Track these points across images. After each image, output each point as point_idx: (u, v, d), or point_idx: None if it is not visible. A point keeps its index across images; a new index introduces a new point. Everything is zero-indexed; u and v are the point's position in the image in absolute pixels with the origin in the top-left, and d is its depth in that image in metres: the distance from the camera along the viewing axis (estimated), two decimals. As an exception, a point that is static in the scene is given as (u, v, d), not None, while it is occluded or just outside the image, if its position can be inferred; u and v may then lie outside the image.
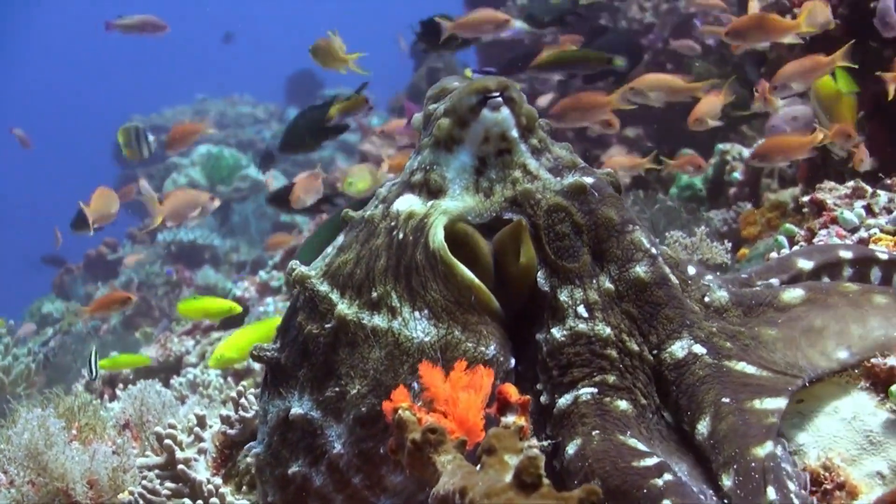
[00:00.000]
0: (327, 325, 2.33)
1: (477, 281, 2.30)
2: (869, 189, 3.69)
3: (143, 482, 3.58)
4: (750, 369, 2.22)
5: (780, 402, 2.13)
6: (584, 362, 2.25)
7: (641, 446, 2.06)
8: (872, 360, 2.28)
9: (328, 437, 2.30)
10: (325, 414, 2.31)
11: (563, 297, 2.30)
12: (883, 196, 3.55)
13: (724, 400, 2.15)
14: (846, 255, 2.66)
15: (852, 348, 2.26)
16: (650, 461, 1.99)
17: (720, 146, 7.40)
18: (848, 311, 2.35)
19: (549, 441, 2.18)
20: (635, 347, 2.27)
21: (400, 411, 1.88)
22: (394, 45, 16.72)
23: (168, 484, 3.58)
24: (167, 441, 3.68)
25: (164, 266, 15.21)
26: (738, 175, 7.04)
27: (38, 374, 9.17)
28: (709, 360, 2.23)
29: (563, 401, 2.22)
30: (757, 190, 6.88)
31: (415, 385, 2.17)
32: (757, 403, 2.13)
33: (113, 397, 6.45)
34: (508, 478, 1.45)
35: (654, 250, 2.37)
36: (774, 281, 2.58)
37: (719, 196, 7.38)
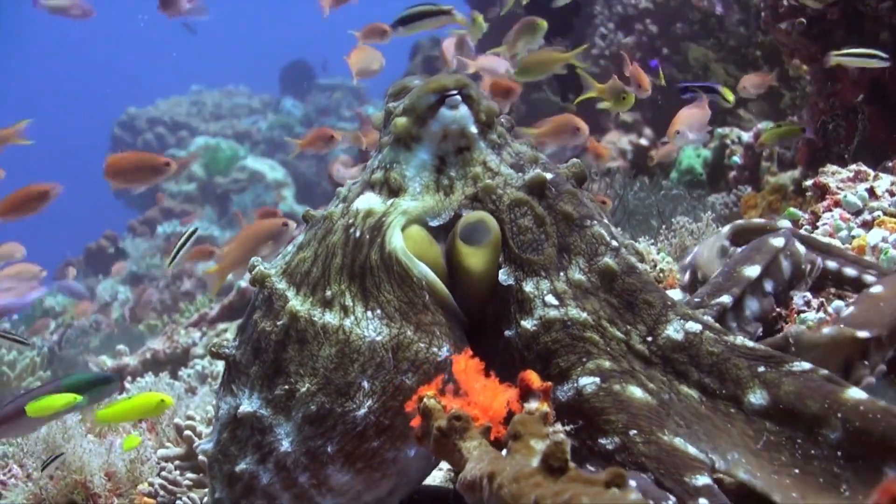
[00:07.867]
0: (279, 322, 2.32)
1: (432, 275, 2.29)
2: (871, 172, 3.73)
3: (164, 473, 3.63)
4: (749, 343, 2.23)
5: (806, 365, 2.14)
6: (567, 348, 2.20)
7: (691, 449, 2.02)
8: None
9: (277, 434, 2.28)
10: (274, 412, 2.28)
11: (529, 288, 2.27)
12: (885, 179, 3.60)
13: (761, 369, 2.15)
14: (777, 243, 2.71)
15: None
16: (702, 480, 1.96)
17: (720, 130, 7.43)
18: None
19: (573, 426, 2.13)
20: (619, 334, 2.25)
21: (425, 399, 1.92)
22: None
23: (189, 475, 3.63)
24: (187, 432, 3.74)
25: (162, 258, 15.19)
26: (737, 159, 7.08)
27: (43, 368, 9.20)
28: (713, 336, 2.22)
29: (562, 394, 2.16)
30: (756, 173, 6.93)
31: (364, 384, 2.18)
32: (787, 367, 2.15)
33: (122, 390, 6.50)
34: (536, 462, 1.46)
35: (614, 243, 2.37)
36: (727, 298, 2.59)
37: (719, 180, 7.42)
